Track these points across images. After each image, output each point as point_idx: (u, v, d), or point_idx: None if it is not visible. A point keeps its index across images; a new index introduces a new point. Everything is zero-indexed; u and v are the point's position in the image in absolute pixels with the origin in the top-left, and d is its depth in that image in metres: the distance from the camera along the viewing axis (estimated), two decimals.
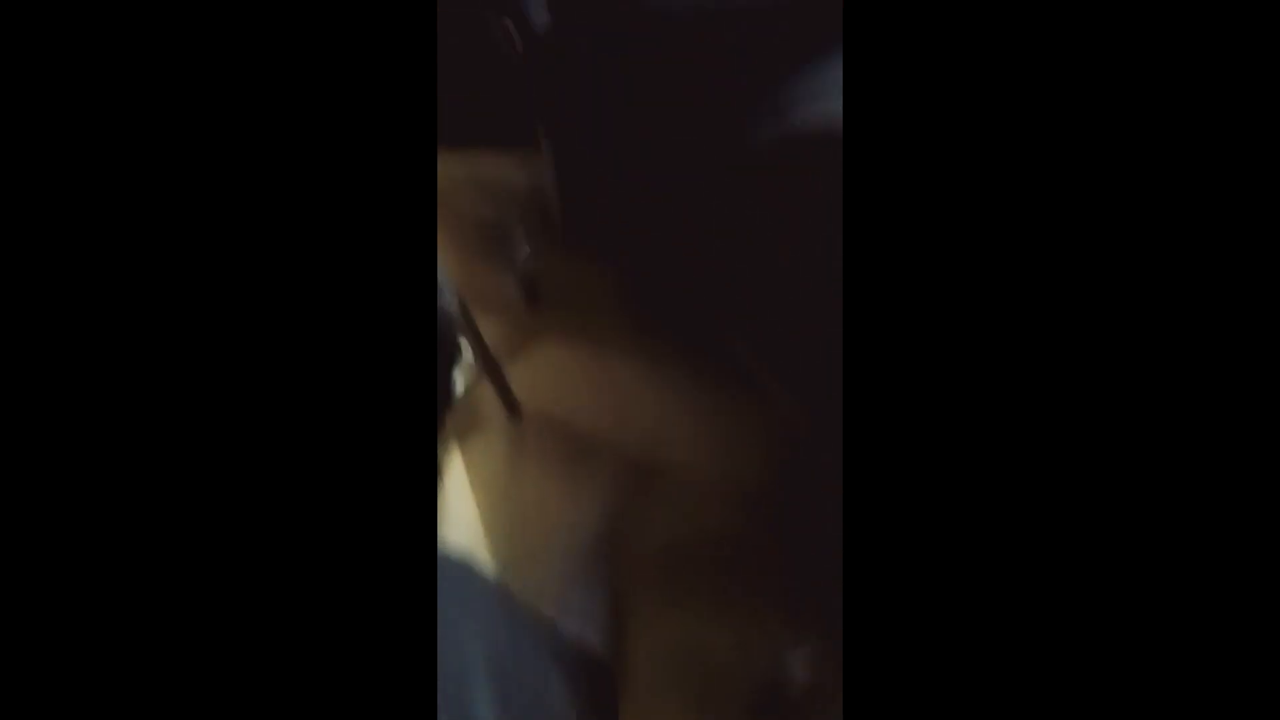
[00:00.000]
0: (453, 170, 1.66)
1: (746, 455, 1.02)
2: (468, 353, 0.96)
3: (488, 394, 1.08)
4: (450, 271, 0.89)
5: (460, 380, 0.92)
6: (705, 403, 1.09)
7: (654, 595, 0.92)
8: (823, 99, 0.56)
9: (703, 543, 0.95)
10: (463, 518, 0.98)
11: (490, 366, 1.03)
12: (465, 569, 0.59)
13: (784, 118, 0.56)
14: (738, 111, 0.74)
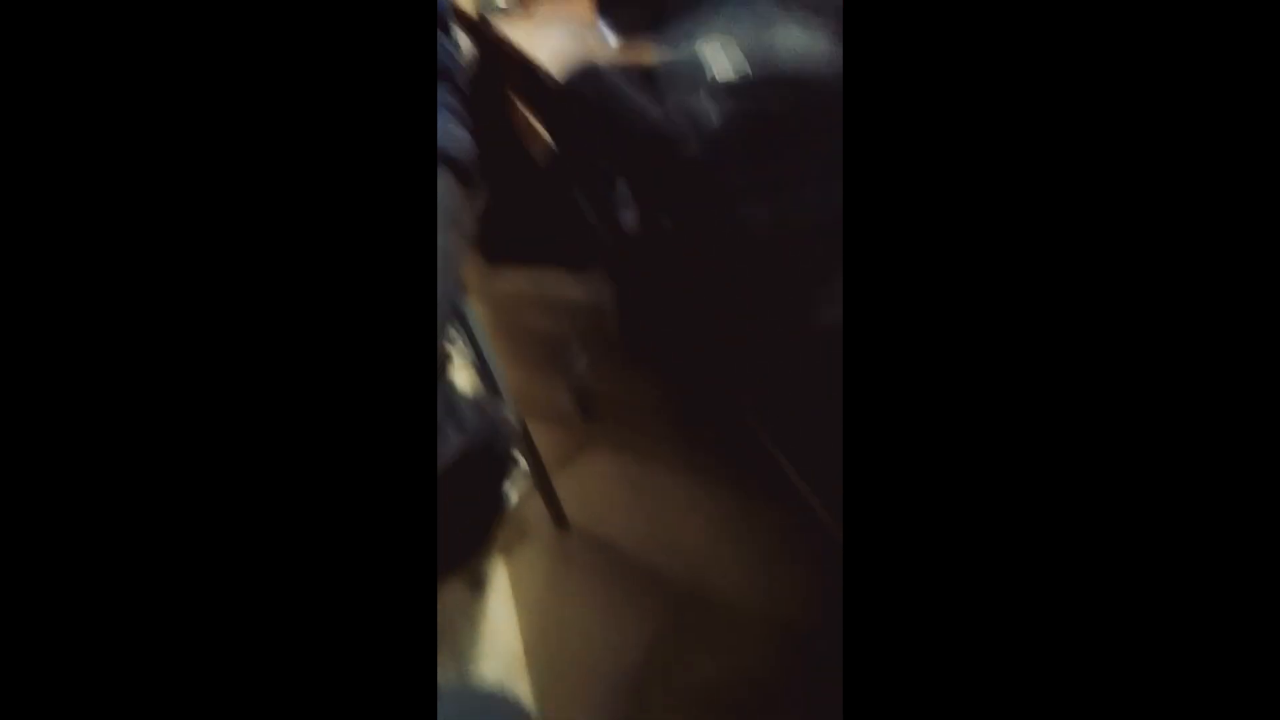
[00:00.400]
0: (513, 284, 1.74)
1: (792, 591, 0.98)
2: (523, 464, 0.97)
3: (537, 506, 1.08)
4: (509, 382, 0.91)
5: (513, 492, 0.92)
6: (753, 532, 1.06)
7: None
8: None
9: (743, 682, 0.90)
10: (504, 638, 0.95)
11: (542, 479, 1.03)
12: (503, 700, 0.57)
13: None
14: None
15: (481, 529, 0.76)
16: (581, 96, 0.44)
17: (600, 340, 1.40)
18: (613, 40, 0.94)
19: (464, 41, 1.51)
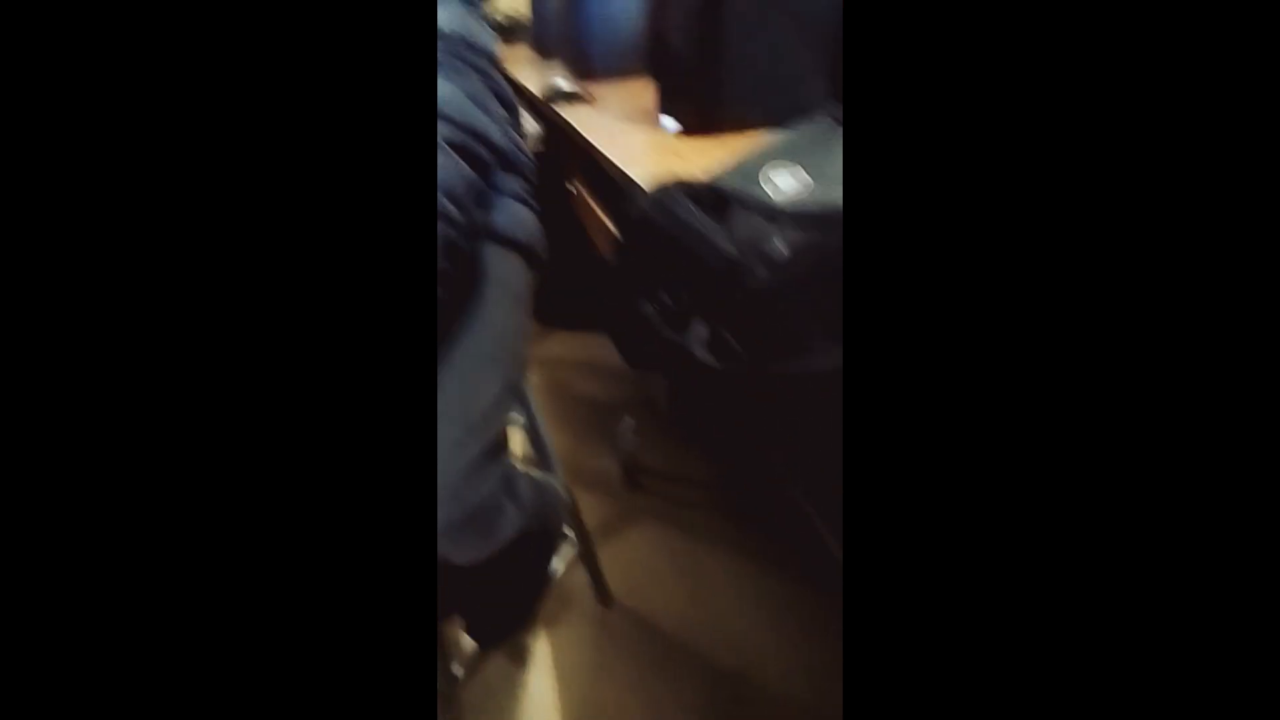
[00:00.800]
0: (563, 347, 1.77)
1: (837, 679, 0.95)
2: (571, 535, 0.98)
3: (581, 578, 1.08)
4: (557, 448, 0.93)
5: (560, 563, 0.93)
6: (798, 616, 1.04)
7: None
8: None
9: None
10: (544, 713, 0.94)
11: (588, 551, 1.03)
12: None
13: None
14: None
15: (528, 605, 0.76)
16: (652, 222, 0.46)
17: (648, 410, 1.42)
18: (672, 128, 0.99)
19: (531, 124, 1.59)
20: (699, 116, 0.93)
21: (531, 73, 1.71)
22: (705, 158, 0.84)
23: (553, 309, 1.77)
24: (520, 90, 1.58)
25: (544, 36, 1.89)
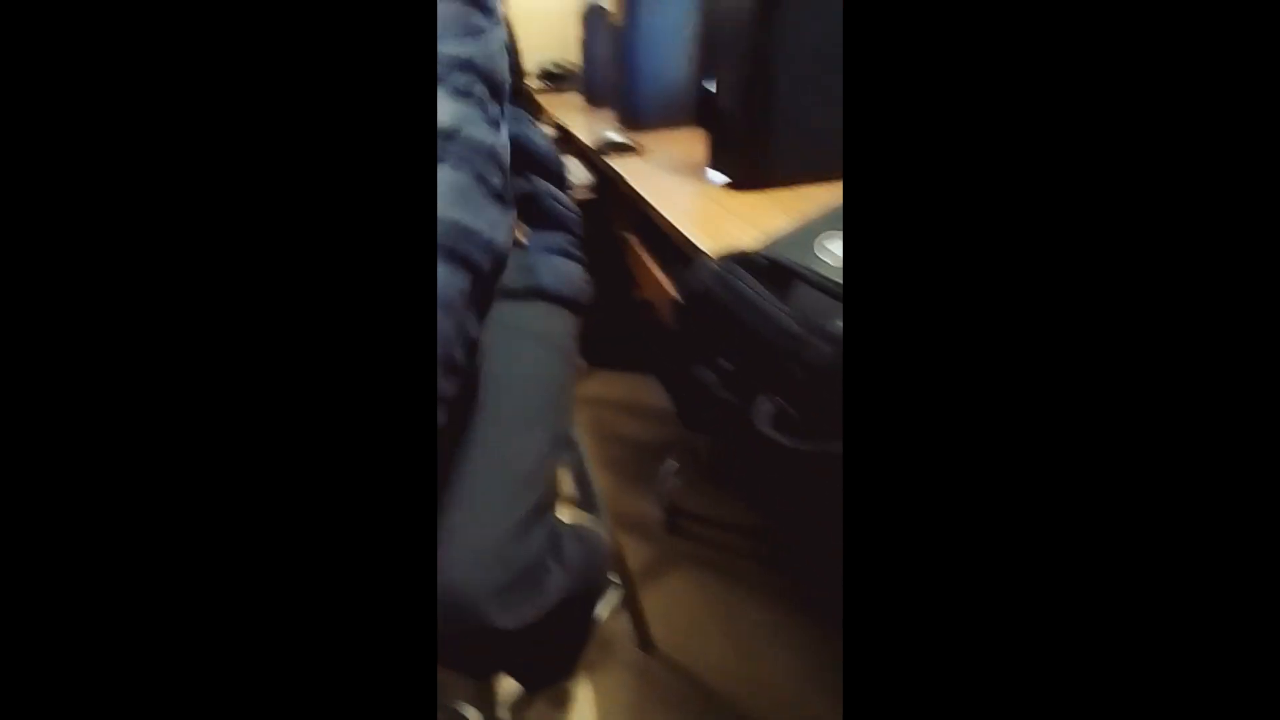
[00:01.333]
0: (606, 387, 1.79)
1: None
2: (616, 582, 0.98)
3: (623, 623, 1.08)
4: (600, 490, 0.94)
5: (604, 609, 0.93)
6: (836, 669, 1.02)
7: None
8: None
9: None
10: None
11: (631, 598, 1.04)
12: None
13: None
14: None
15: (574, 654, 0.77)
16: (715, 295, 0.48)
17: (690, 454, 1.42)
18: (719, 181, 1.01)
19: (580, 173, 1.64)
20: (748, 171, 0.95)
21: (581, 119, 1.77)
22: (754, 212, 0.86)
23: (595, 349, 1.79)
24: (570, 138, 1.63)
25: (593, 85, 1.95)
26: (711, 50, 1.35)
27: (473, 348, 0.51)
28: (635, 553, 1.26)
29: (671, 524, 1.32)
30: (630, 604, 1.04)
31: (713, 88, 1.12)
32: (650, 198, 0.99)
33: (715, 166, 1.03)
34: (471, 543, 0.53)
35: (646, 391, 1.75)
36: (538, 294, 0.71)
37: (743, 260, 0.48)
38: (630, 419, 1.67)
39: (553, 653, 0.71)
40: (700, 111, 1.47)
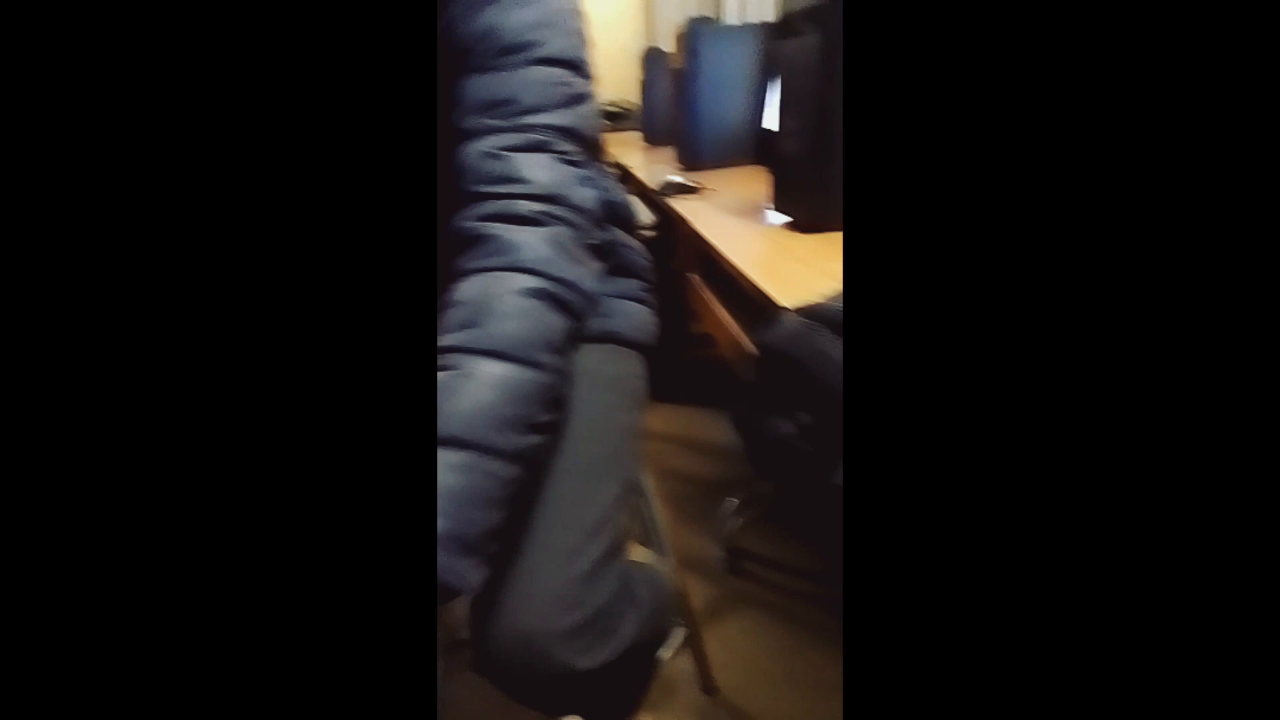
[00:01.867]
0: (664, 422, 1.80)
1: None
2: (680, 623, 0.98)
3: (685, 664, 1.07)
4: (665, 529, 0.94)
5: (667, 650, 0.93)
6: None
7: None
8: None
9: None
10: None
11: (695, 639, 1.03)
12: None
13: None
14: None
15: (639, 693, 0.77)
16: (793, 353, 0.49)
17: (752, 492, 1.41)
18: (778, 222, 1.02)
19: (639, 209, 1.67)
20: (810, 214, 0.95)
21: (639, 158, 1.81)
22: (815, 254, 0.86)
23: (653, 383, 1.80)
24: (629, 176, 1.67)
25: (653, 124, 1.99)
26: (774, 93, 1.37)
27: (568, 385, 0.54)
28: (696, 593, 1.25)
29: (732, 564, 1.30)
30: (693, 645, 1.03)
31: (773, 128, 1.14)
32: (713, 239, 1.00)
33: (777, 208, 1.04)
34: (546, 585, 0.54)
35: (703, 426, 1.75)
36: (611, 338, 0.73)
37: (819, 313, 0.49)
38: (688, 454, 1.67)
39: (621, 692, 0.71)
40: (760, 151, 1.48)
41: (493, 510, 0.48)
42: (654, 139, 1.99)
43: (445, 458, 0.47)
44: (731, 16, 1.90)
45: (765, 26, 1.41)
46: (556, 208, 0.55)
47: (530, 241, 0.53)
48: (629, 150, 1.97)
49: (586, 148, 0.59)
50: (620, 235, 0.78)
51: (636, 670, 0.69)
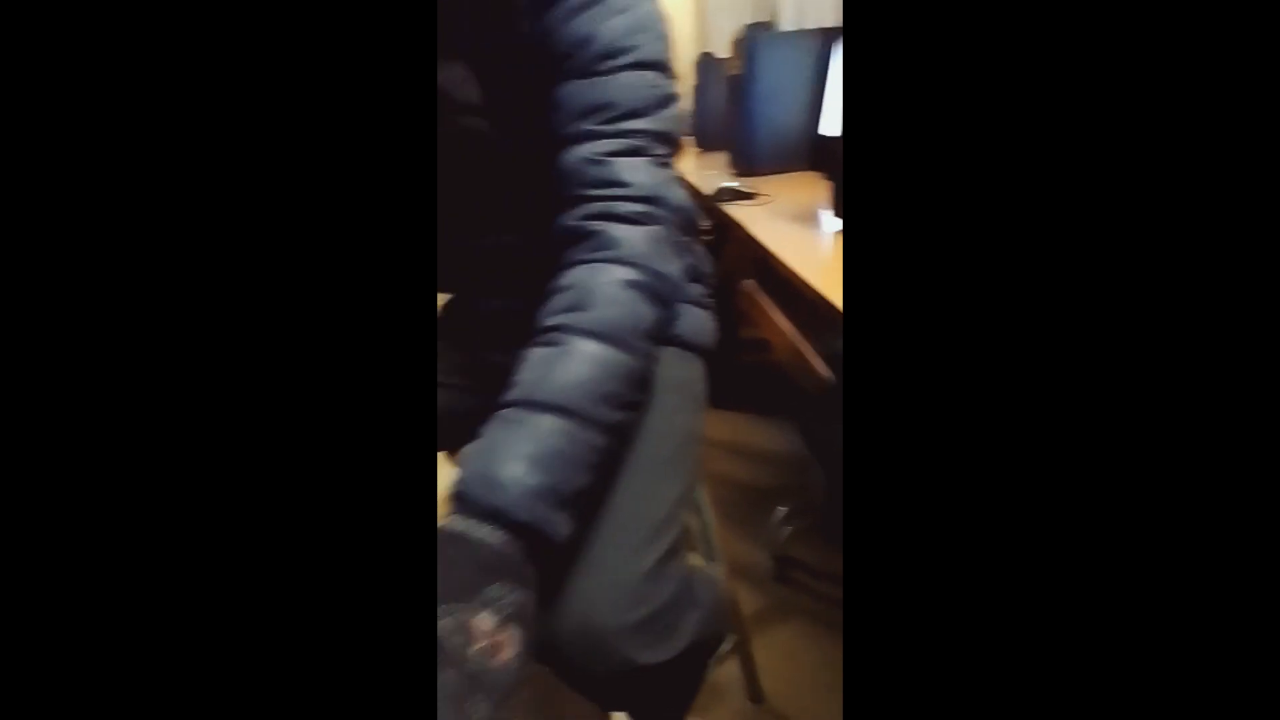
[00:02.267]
0: (712, 428, 1.79)
1: None
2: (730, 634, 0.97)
3: (733, 670, 1.07)
4: (717, 535, 0.93)
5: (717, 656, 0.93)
6: None
7: None
8: None
9: None
10: None
11: (744, 646, 1.02)
12: None
13: None
14: None
15: (689, 697, 0.77)
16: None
17: (802, 500, 1.40)
18: (835, 227, 1.01)
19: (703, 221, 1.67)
20: None
21: (692, 163, 1.81)
22: None
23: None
24: (683, 182, 1.67)
25: (706, 130, 2.00)
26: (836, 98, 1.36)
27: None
28: (744, 600, 1.24)
29: (780, 573, 1.29)
30: (742, 652, 1.03)
31: (833, 134, 1.13)
32: (770, 245, 1.00)
33: (838, 213, 1.03)
34: (611, 580, 0.55)
35: (753, 432, 1.74)
36: (674, 341, 0.73)
37: None
38: (737, 460, 1.67)
39: (674, 693, 0.71)
40: (816, 158, 1.47)
41: (585, 473, 0.51)
42: (706, 144, 1.99)
43: (544, 422, 0.50)
44: (788, 22, 1.89)
45: (822, 32, 1.40)
46: (654, 208, 0.59)
47: (631, 238, 0.57)
48: (681, 155, 1.97)
49: (675, 149, 0.62)
50: (684, 238, 0.78)
51: (691, 672, 0.69)
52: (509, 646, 0.45)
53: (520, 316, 0.60)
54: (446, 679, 0.41)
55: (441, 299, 0.88)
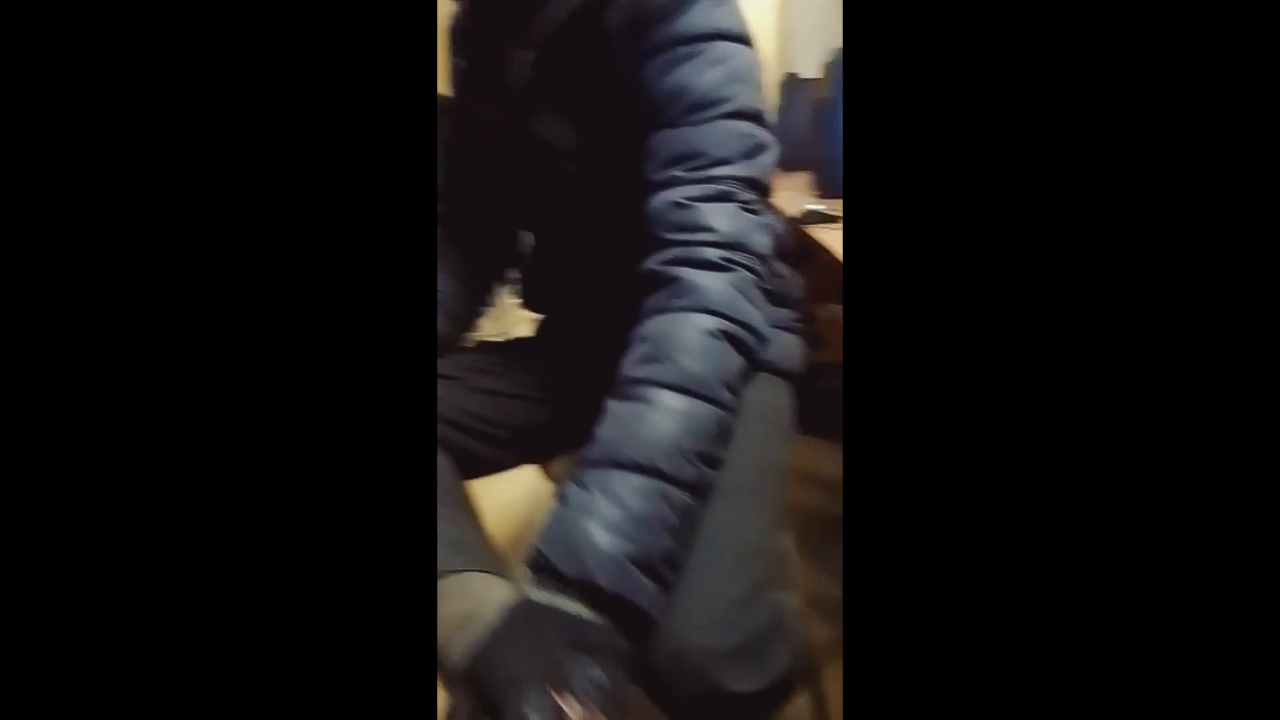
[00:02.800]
0: (792, 458, 1.76)
1: None
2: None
3: (803, 706, 1.04)
4: (796, 565, 0.92)
5: None
6: None
7: None
8: None
9: None
10: None
11: (814, 674, 1.00)
12: None
13: None
14: None
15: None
16: None
17: None
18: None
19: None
20: None
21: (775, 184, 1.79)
22: None
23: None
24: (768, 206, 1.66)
25: (787, 151, 1.98)
26: None
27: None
28: (816, 631, 1.21)
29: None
30: (813, 686, 1.00)
31: None
32: None
33: None
34: (704, 607, 0.55)
35: (825, 459, 1.71)
36: (763, 367, 0.73)
37: None
38: (809, 487, 1.63)
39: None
40: None
41: (669, 535, 0.51)
42: (787, 165, 1.98)
43: (627, 481, 0.49)
44: None
45: None
46: (738, 254, 0.59)
47: (714, 285, 0.57)
48: (769, 200, 1.96)
49: (764, 194, 0.62)
50: (776, 264, 0.78)
51: (774, 702, 0.68)
52: None
53: (603, 349, 0.61)
54: None
55: (535, 318, 0.90)
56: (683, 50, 0.60)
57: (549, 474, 0.99)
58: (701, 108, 0.60)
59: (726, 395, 0.57)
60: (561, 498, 0.53)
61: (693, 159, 0.60)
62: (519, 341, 0.92)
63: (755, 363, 0.61)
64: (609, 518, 0.49)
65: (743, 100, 0.62)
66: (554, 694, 0.43)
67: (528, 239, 0.88)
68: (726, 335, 0.57)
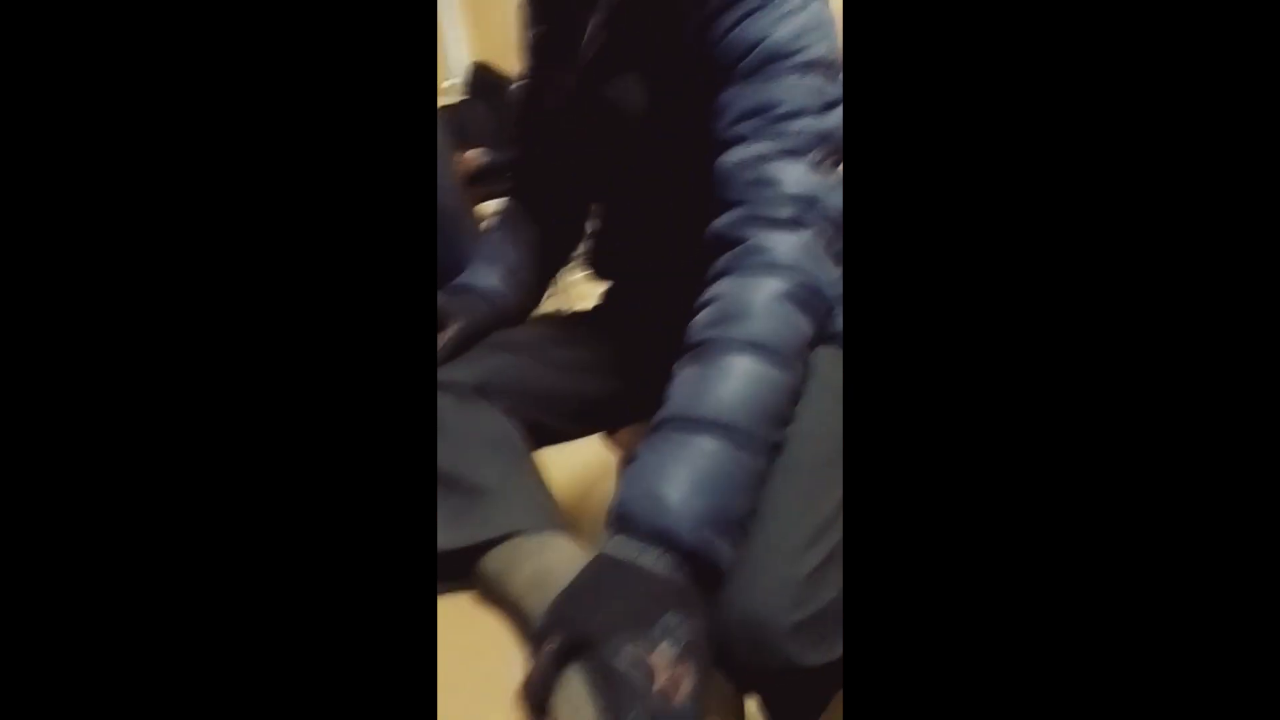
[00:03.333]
0: None
1: None
2: None
3: None
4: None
5: None
6: None
7: None
8: None
9: None
10: None
11: None
12: None
13: None
14: None
15: (819, 708, 0.75)
16: None
17: None
18: None
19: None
20: None
21: None
22: None
23: None
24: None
25: None
26: None
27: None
28: None
29: None
30: None
31: None
32: None
33: None
34: (772, 581, 0.54)
35: None
36: (831, 340, 0.72)
37: None
38: None
39: (816, 694, 0.70)
40: None
41: (743, 495, 0.50)
42: None
43: (703, 443, 0.49)
44: None
45: None
46: (808, 212, 0.56)
47: (783, 246, 0.55)
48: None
49: (835, 152, 0.59)
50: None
51: (837, 678, 0.68)
52: (687, 680, 0.43)
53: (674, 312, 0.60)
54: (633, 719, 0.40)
55: (600, 285, 0.91)
56: (756, 1, 0.59)
57: (617, 442, 1.00)
58: (775, 59, 0.57)
59: (795, 358, 0.55)
60: (638, 458, 0.53)
61: (764, 112, 0.57)
62: (586, 313, 0.92)
63: (823, 326, 0.59)
64: (686, 474, 0.48)
65: (816, 50, 0.59)
66: (641, 647, 0.43)
67: (598, 209, 0.88)
68: (795, 297, 0.55)
